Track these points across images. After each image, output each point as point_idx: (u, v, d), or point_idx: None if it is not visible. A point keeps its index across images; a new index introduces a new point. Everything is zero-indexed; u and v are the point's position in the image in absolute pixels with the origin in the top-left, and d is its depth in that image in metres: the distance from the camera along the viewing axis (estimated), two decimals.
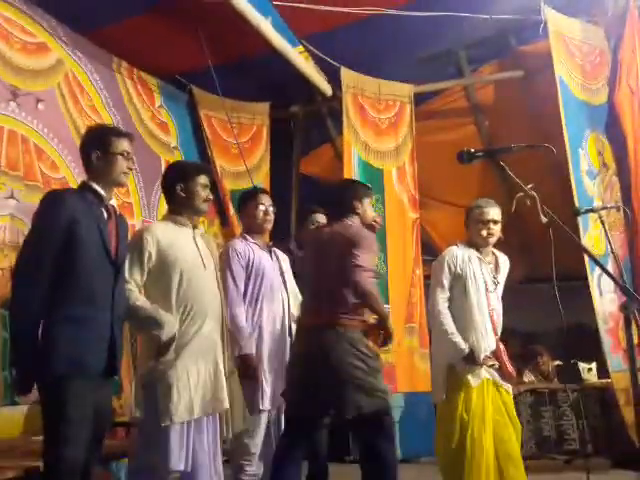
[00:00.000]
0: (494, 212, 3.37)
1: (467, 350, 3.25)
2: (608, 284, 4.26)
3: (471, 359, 3.26)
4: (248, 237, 3.50)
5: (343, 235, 3.03)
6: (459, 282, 3.35)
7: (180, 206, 2.94)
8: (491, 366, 3.28)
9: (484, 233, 3.35)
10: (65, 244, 2.33)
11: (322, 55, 4.99)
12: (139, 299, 2.71)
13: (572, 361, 4.89)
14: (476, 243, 3.40)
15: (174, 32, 4.49)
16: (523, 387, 4.83)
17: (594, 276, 4.22)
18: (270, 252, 3.52)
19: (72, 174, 3.95)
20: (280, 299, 3.42)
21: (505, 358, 3.30)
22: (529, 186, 2.51)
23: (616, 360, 4.25)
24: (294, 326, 3.44)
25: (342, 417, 2.93)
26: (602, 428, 4.63)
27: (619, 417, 4.18)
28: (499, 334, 3.37)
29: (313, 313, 3.05)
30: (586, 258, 4.06)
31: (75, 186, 2.82)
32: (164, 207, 4.27)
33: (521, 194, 2.50)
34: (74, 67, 4.21)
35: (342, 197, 3.19)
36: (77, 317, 2.33)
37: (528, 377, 5.20)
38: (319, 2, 4.38)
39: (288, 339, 3.40)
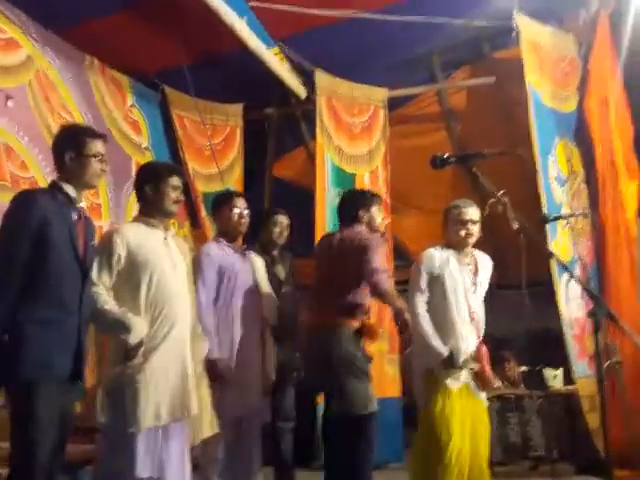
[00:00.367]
0: (472, 212, 3.33)
1: (446, 353, 3.20)
2: (575, 290, 4.31)
3: (450, 362, 3.20)
4: (222, 240, 3.48)
5: (352, 241, 3.33)
6: (437, 284, 3.30)
7: (150, 207, 2.90)
8: (471, 369, 3.24)
9: (462, 233, 3.30)
10: (35, 245, 2.31)
11: (297, 57, 4.98)
12: (107, 302, 2.67)
13: (538, 367, 4.93)
14: (454, 244, 3.35)
15: (148, 31, 4.45)
16: (490, 393, 4.86)
17: (561, 282, 4.26)
18: (244, 256, 3.51)
19: (42, 173, 3.89)
20: (253, 303, 3.40)
21: (485, 362, 3.27)
22: (500, 192, 2.54)
23: (581, 366, 4.29)
24: (268, 332, 3.43)
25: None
26: (567, 434, 4.67)
27: (584, 423, 4.21)
28: (481, 337, 3.33)
29: (316, 312, 3.36)
30: (553, 264, 4.11)
31: (45, 185, 2.78)
32: (133, 209, 4.24)
33: (493, 200, 2.52)
34: (45, 64, 4.14)
35: (349, 206, 3.51)
36: (46, 320, 2.31)
37: (495, 383, 5.24)
38: (295, 4, 4.38)
39: (261, 343, 3.39)
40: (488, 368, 3.28)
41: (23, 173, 3.82)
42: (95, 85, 4.58)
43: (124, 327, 2.65)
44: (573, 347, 4.25)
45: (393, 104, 5.49)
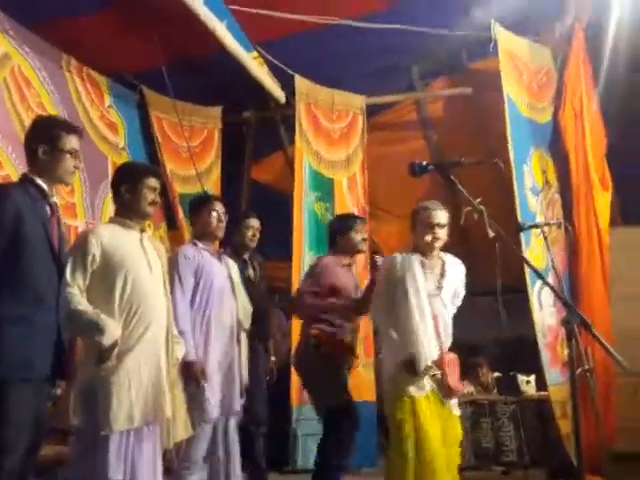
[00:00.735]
0: (442, 215, 3.26)
1: (407, 359, 3.09)
2: (548, 298, 4.37)
3: (411, 369, 3.08)
4: (199, 243, 3.47)
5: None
6: (400, 287, 3.19)
7: (126, 208, 2.87)
8: (433, 376, 3.10)
9: (429, 238, 3.23)
10: (10, 242, 2.26)
11: (276, 62, 4.99)
12: (81, 303, 2.63)
13: (511, 373, 4.98)
14: (421, 247, 3.26)
15: (127, 31, 4.42)
16: (463, 398, 4.90)
17: (534, 290, 4.32)
18: (220, 259, 3.50)
19: (16, 171, 3.82)
20: (229, 307, 3.39)
21: (448, 370, 3.13)
22: (477, 200, 2.57)
23: (554, 373, 4.34)
24: (243, 335, 3.43)
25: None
26: (539, 440, 4.72)
27: (556, 430, 4.26)
28: (445, 342, 3.20)
29: None
30: (527, 272, 4.16)
31: None
32: (109, 209, 4.20)
33: (469, 208, 2.55)
34: (21, 62, 4.09)
35: (329, 233, 3.91)
36: (23, 317, 2.27)
37: (468, 388, 5.28)
38: (275, 9, 4.38)
39: (236, 347, 3.38)
40: (452, 376, 3.15)
41: None
42: (72, 84, 4.54)
43: (97, 329, 2.61)
44: (546, 354, 4.30)
45: (371, 111, 5.53)
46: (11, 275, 2.27)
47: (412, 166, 2.76)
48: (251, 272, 4.03)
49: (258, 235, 4.04)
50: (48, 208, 2.41)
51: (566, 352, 3.08)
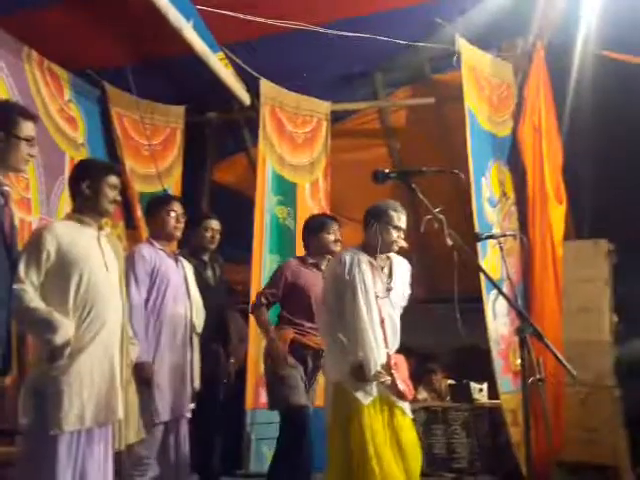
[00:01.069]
0: (404, 219, 3.24)
1: (355, 364, 2.99)
2: (502, 308, 4.45)
3: (360, 374, 2.99)
4: (155, 243, 3.43)
5: None
6: (348, 290, 3.10)
7: (85, 205, 2.83)
8: (382, 382, 3.01)
9: (393, 238, 3.17)
10: None
11: (242, 64, 4.98)
12: (33, 300, 2.59)
13: (464, 381, 5.05)
14: (380, 247, 3.17)
15: (91, 26, 4.35)
16: (417, 404, 4.96)
17: (489, 299, 4.39)
18: (176, 260, 3.47)
19: None
20: (183, 308, 3.37)
21: (397, 374, 3.05)
22: (437, 209, 2.61)
23: (505, 382, 4.42)
24: (196, 337, 3.41)
25: None
26: (490, 447, 4.79)
27: (506, 437, 4.34)
28: (393, 345, 3.14)
29: None
30: (482, 282, 4.24)
31: None
32: (65, 205, 4.12)
33: (429, 217, 2.58)
34: None
35: (302, 233, 3.93)
36: None
37: (422, 394, 5.34)
38: (243, 11, 4.37)
39: (189, 349, 3.36)
40: (402, 378, 3.06)
41: None
42: (32, 76, 4.43)
43: (50, 327, 2.57)
44: (498, 363, 4.38)
45: (335, 118, 5.56)
46: None
47: (375, 173, 2.80)
48: (210, 274, 4.01)
49: (218, 237, 4.02)
50: (1, 199, 2.32)
51: (518, 361, 3.15)
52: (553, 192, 4.74)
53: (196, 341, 3.44)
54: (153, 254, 3.37)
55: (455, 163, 4.58)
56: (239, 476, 4.81)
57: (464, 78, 4.65)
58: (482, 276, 3.60)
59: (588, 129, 4.86)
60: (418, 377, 5.28)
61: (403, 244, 3.26)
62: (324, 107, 5.39)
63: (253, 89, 5.20)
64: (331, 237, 3.77)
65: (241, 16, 4.34)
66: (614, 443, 4.50)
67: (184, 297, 3.40)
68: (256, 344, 4.50)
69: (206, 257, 4.02)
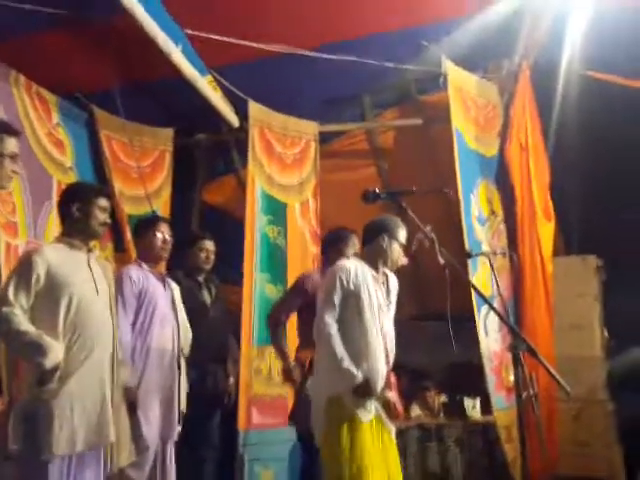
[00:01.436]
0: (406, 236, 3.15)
1: (360, 379, 2.87)
2: (493, 324, 4.47)
3: (365, 390, 2.87)
4: (143, 265, 3.43)
5: None
6: (352, 300, 2.97)
7: (75, 228, 2.83)
8: (384, 400, 2.93)
9: (398, 255, 3.09)
10: None
11: (231, 87, 5.02)
12: (22, 323, 2.57)
13: (457, 397, 5.04)
14: (380, 261, 3.09)
15: (79, 50, 4.37)
16: (411, 422, 4.93)
17: (480, 316, 4.41)
18: (164, 282, 3.47)
19: None
20: (170, 331, 3.35)
21: (393, 393, 2.99)
22: (428, 228, 2.63)
23: (499, 398, 4.43)
24: (183, 360, 3.38)
25: None
26: (485, 464, 4.78)
27: (501, 453, 4.33)
28: (391, 362, 3.05)
29: None
30: (474, 299, 4.25)
31: None
32: (52, 229, 4.10)
33: (421, 235, 2.60)
34: None
35: (321, 245, 3.95)
36: None
37: (415, 411, 5.30)
38: (231, 35, 4.42)
39: (176, 372, 3.33)
40: (397, 398, 2.99)
41: None
42: (20, 101, 4.42)
43: (39, 350, 2.55)
44: (491, 379, 4.39)
45: (323, 139, 5.60)
46: None
47: (365, 193, 2.82)
48: (206, 295, 4.00)
49: (213, 257, 4.02)
50: None
51: (511, 377, 3.14)
52: (541, 209, 4.79)
53: (183, 364, 3.41)
54: (141, 276, 3.36)
55: (444, 182, 4.62)
56: None
57: (451, 99, 4.71)
58: (473, 293, 3.62)
59: (574, 147, 4.93)
60: (411, 394, 5.25)
61: (405, 261, 3.20)
62: (312, 128, 5.43)
63: (242, 111, 5.24)
64: (350, 250, 3.66)
65: (230, 40, 4.38)
66: (608, 456, 4.51)
67: (172, 319, 3.38)
68: (247, 365, 4.47)
69: (201, 278, 4.01)
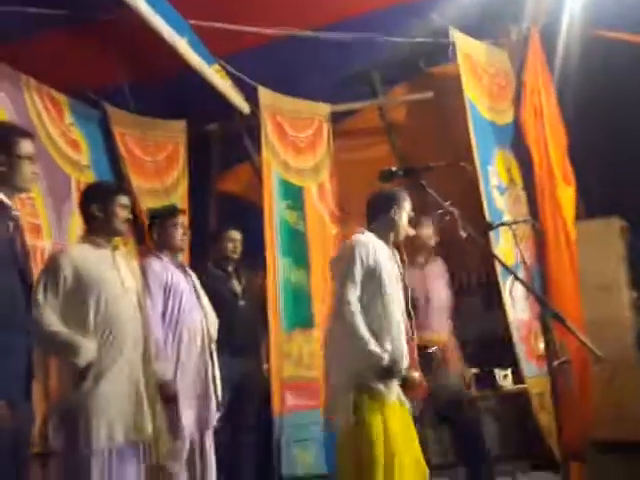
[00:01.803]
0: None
1: (387, 361, 2.77)
2: (519, 293, 4.44)
3: (391, 371, 2.78)
4: (162, 256, 3.45)
5: None
6: (372, 276, 2.83)
7: (98, 227, 2.87)
8: (410, 379, 2.86)
9: (406, 226, 3.03)
10: None
11: (239, 74, 5.00)
12: (54, 324, 2.62)
13: (488, 369, 5.03)
14: (392, 234, 2.99)
15: (87, 49, 4.38)
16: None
17: (506, 286, 4.38)
18: (185, 271, 3.49)
19: None
20: (198, 319, 3.38)
21: (418, 372, 2.94)
22: (448, 203, 2.61)
23: (530, 366, 4.42)
24: (213, 346, 3.41)
25: None
26: (519, 432, 4.76)
27: (535, 421, 4.33)
28: (414, 340, 2.97)
29: None
30: (498, 269, 4.23)
31: None
32: (76, 228, 4.14)
33: (441, 211, 2.59)
34: None
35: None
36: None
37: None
38: (234, 22, 4.40)
39: (209, 360, 3.36)
40: (421, 377, 2.93)
41: None
42: (32, 104, 4.45)
43: (72, 349, 2.60)
44: (521, 348, 4.37)
45: (334, 119, 5.57)
46: None
47: (382, 173, 2.80)
48: (236, 284, 4.03)
49: (240, 247, 4.06)
50: (11, 223, 2.27)
51: (541, 345, 3.12)
52: (560, 174, 4.73)
53: (214, 350, 3.44)
54: (163, 269, 3.39)
55: (457, 155, 4.58)
56: None
57: (461, 68, 4.65)
58: (497, 264, 3.60)
59: (589, 108, 4.85)
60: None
61: (412, 232, 3.12)
62: (323, 109, 5.40)
63: (252, 98, 5.22)
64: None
65: (233, 27, 4.37)
66: None
67: (197, 306, 3.41)
68: (277, 350, 4.49)
69: (230, 268, 4.05)
